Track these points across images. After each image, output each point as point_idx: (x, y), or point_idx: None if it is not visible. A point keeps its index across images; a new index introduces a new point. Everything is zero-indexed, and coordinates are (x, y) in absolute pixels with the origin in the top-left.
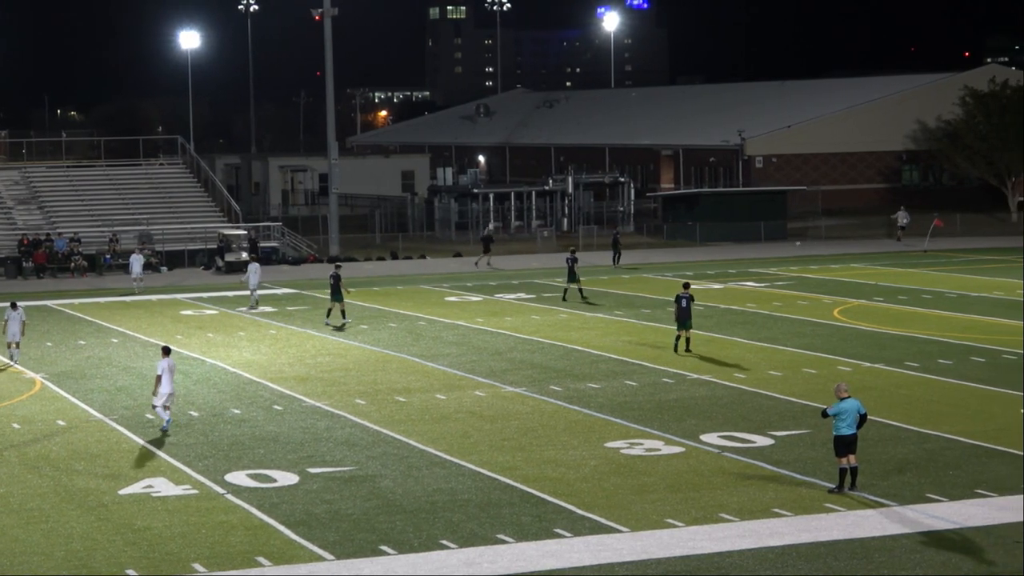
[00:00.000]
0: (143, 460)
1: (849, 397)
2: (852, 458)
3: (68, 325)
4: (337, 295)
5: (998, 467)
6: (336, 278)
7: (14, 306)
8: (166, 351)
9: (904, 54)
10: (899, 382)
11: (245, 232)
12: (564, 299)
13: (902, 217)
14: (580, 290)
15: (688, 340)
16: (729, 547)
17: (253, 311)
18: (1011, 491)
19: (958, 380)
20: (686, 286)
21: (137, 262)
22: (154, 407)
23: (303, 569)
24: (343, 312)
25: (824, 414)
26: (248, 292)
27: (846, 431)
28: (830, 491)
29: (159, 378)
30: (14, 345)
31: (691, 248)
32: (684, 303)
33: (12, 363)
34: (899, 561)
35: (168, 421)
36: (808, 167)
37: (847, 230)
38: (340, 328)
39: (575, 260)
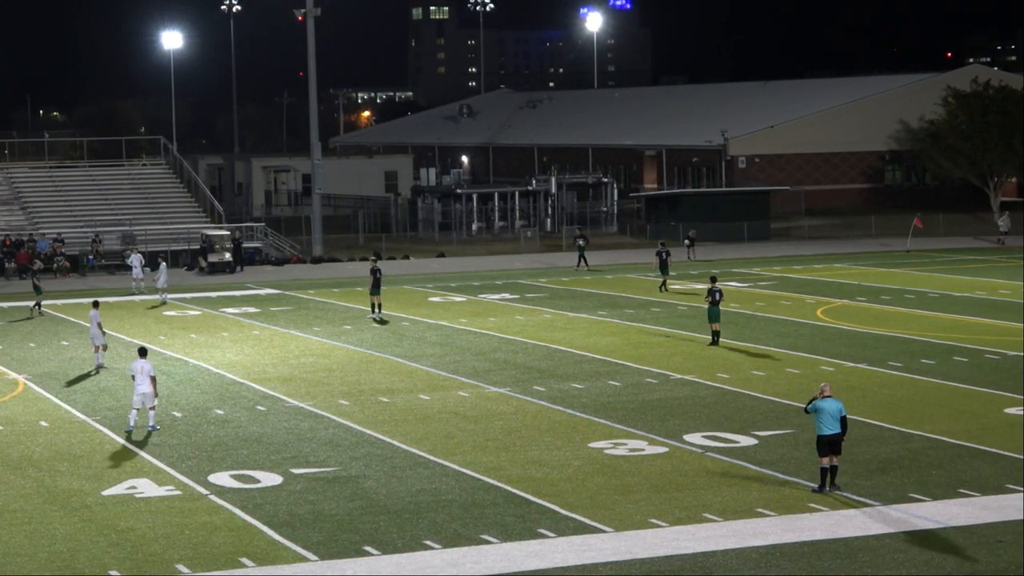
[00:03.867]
0: (126, 461)
1: (829, 397)
2: (835, 458)
3: (51, 326)
4: (376, 289)
5: (981, 467)
6: (380, 272)
7: (95, 305)
8: (142, 352)
9: (886, 54)
10: (882, 382)
11: (228, 233)
12: (661, 290)
13: (1003, 223)
14: (664, 282)
15: (717, 333)
16: (713, 547)
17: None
18: (994, 491)
19: (941, 380)
20: (713, 279)
21: (138, 262)
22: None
23: (287, 570)
24: (380, 305)
25: (806, 410)
26: (158, 292)
27: (827, 431)
28: (814, 491)
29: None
30: (100, 348)
31: (674, 248)
32: (717, 296)
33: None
34: (882, 561)
35: (131, 425)
36: (791, 167)
37: (830, 230)
38: (382, 322)
39: (668, 253)
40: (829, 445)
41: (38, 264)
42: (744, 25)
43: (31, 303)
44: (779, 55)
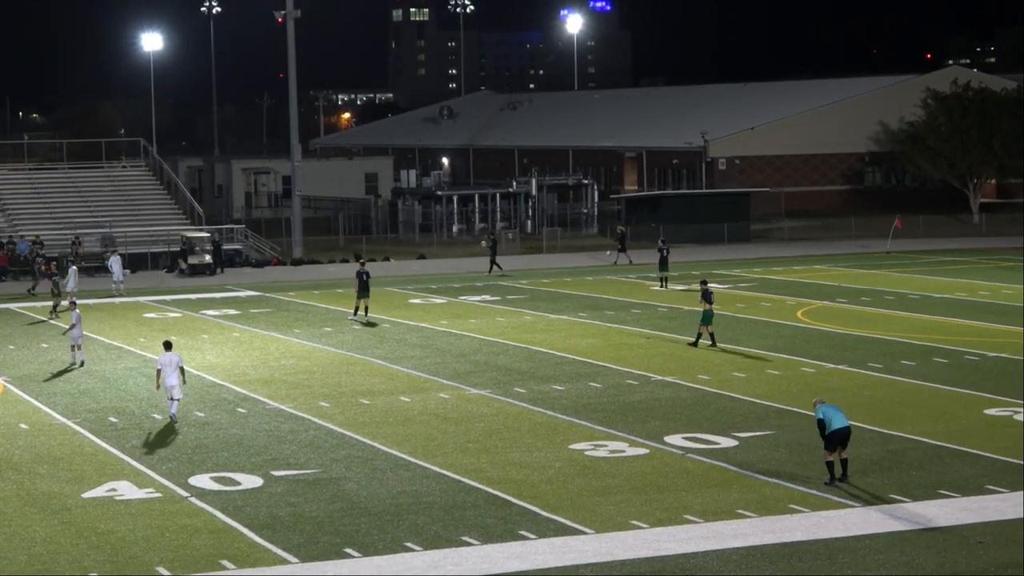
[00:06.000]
0: (106, 464)
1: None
2: (843, 451)
3: (31, 328)
4: (364, 292)
5: (961, 468)
6: (368, 275)
7: (73, 305)
8: (168, 346)
9: (866, 56)
10: (862, 383)
11: (208, 235)
12: (662, 286)
13: None
14: (665, 278)
15: (699, 335)
16: (693, 548)
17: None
18: (974, 491)
19: (921, 381)
20: (704, 282)
21: (117, 264)
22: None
23: (267, 572)
24: (367, 308)
25: (821, 424)
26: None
27: (839, 424)
28: (826, 483)
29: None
30: (77, 348)
31: (654, 250)
32: (711, 298)
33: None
34: (863, 561)
35: (172, 414)
36: (771, 169)
37: (810, 232)
38: (369, 324)
39: (668, 251)
40: (842, 440)
41: (54, 266)
42: (724, 27)
43: (50, 303)
44: (759, 57)
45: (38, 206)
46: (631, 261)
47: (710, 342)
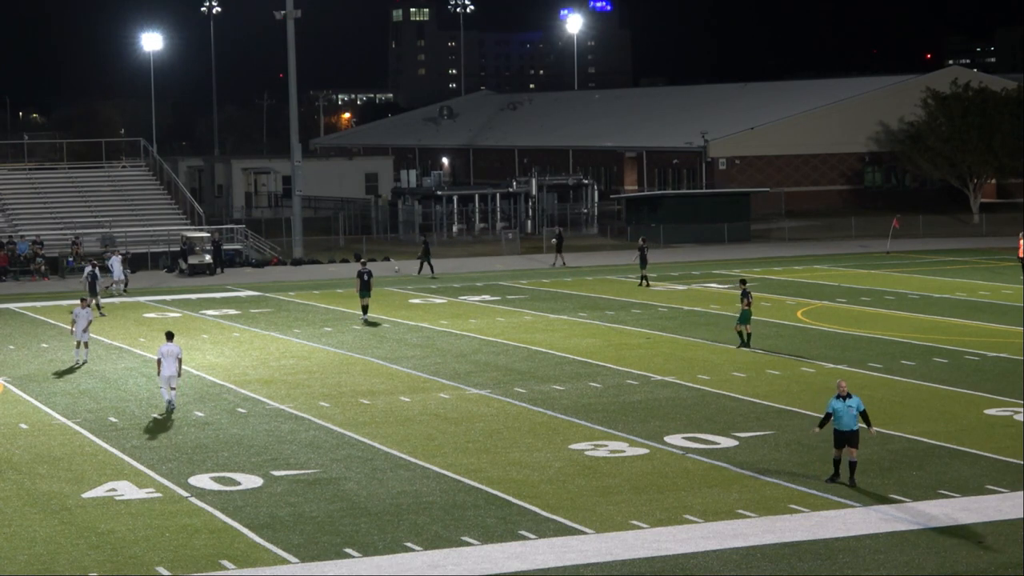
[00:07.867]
0: (106, 463)
1: (846, 397)
2: (852, 452)
3: (31, 328)
4: (366, 291)
5: (960, 468)
6: (370, 275)
7: (83, 302)
8: (169, 336)
9: (866, 56)
10: (862, 383)
11: (208, 235)
12: (640, 285)
13: None
14: (645, 277)
15: (748, 335)
16: (693, 548)
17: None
18: (974, 492)
19: (921, 381)
20: (743, 282)
21: (117, 263)
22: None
23: (267, 572)
24: (367, 308)
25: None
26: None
27: (843, 428)
28: (826, 481)
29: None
30: (82, 345)
31: (655, 250)
32: (750, 299)
33: (78, 362)
34: (862, 561)
35: (168, 401)
36: (771, 169)
37: (810, 232)
38: (371, 324)
39: (648, 249)
40: (846, 441)
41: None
42: (724, 27)
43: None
44: (759, 57)
45: (38, 206)
46: (564, 263)
47: (746, 342)
